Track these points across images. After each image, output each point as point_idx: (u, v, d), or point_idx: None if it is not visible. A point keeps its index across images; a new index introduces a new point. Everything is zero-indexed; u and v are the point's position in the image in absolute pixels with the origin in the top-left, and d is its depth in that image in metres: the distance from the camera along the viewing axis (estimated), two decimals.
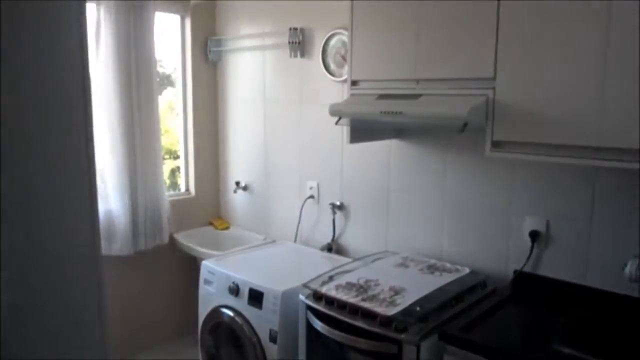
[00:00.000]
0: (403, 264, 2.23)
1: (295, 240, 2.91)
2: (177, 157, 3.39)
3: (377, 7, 2.04)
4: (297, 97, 2.88)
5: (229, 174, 3.38)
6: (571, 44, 1.58)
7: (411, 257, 2.32)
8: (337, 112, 2.06)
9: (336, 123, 2.13)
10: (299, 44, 2.78)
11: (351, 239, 2.70)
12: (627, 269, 1.76)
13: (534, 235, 2.06)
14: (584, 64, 1.56)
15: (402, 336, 1.65)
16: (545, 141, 1.67)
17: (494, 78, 1.75)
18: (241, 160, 3.28)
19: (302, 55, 2.80)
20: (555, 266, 2.03)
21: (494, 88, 1.75)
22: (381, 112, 1.89)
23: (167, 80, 3.36)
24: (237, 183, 3.27)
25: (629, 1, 1.46)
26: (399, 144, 2.45)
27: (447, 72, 1.86)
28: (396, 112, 1.86)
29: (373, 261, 2.29)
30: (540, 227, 2.05)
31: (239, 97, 3.24)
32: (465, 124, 1.73)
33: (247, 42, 3.13)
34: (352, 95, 2.16)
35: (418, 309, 1.76)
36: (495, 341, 1.65)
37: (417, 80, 1.96)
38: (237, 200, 3.33)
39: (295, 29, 2.77)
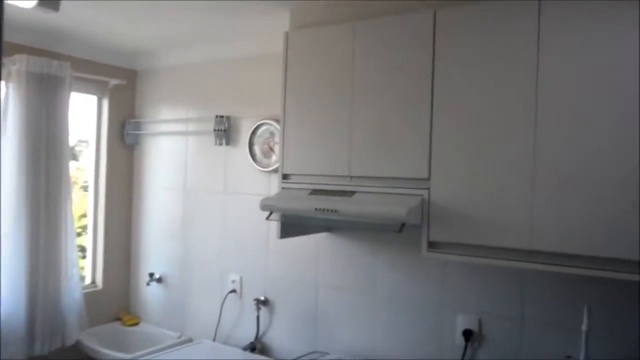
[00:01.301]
0: None
1: (214, 339, 2.69)
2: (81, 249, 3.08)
3: (310, 102, 2.04)
4: (220, 186, 2.77)
5: (141, 265, 3.12)
6: (503, 149, 1.63)
7: (339, 357, 2.19)
8: (269, 207, 1.97)
9: (267, 218, 2.03)
10: (225, 131, 2.71)
11: (277, 338, 2.53)
12: None
13: (468, 334, 2.03)
14: (514, 169, 1.61)
15: None
16: (479, 243, 1.67)
17: (429, 179, 1.76)
18: (156, 250, 3.06)
19: (228, 143, 2.73)
20: None
21: (429, 189, 1.76)
22: (316, 210, 1.83)
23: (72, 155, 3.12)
24: (151, 275, 3.02)
25: (554, 113, 1.55)
26: (329, 237, 2.39)
27: (382, 171, 1.86)
28: (332, 210, 1.80)
29: None
30: (473, 326, 2.03)
31: (157, 183, 3.06)
32: (403, 225, 1.71)
33: (169, 127, 3.02)
34: (283, 189, 2.09)
35: None
36: None
37: (351, 177, 1.93)
38: (150, 294, 3.06)
39: (222, 116, 2.71)
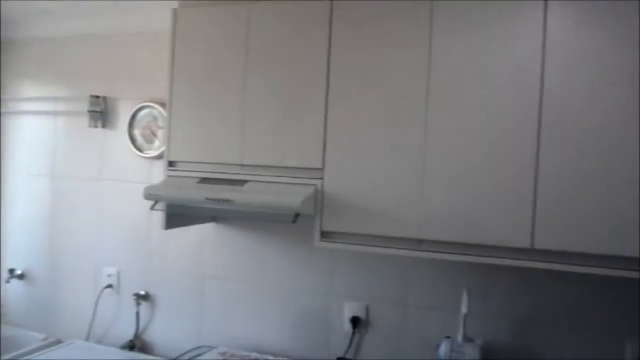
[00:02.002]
0: None
1: (87, 338, 2.48)
2: None
3: (200, 85, 1.93)
4: (95, 172, 2.54)
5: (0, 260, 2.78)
6: (396, 140, 1.67)
7: (230, 352, 2.13)
8: (154, 196, 1.84)
9: (152, 208, 1.90)
10: (101, 113, 2.48)
11: (159, 334, 2.40)
12: (441, 350, 1.86)
13: (355, 321, 2.08)
14: (406, 160, 1.66)
15: None
16: (371, 232, 1.70)
17: (323, 169, 1.76)
18: (18, 243, 2.73)
19: (104, 126, 2.51)
20: (375, 350, 2.06)
21: (322, 178, 1.76)
22: (207, 199, 1.74)
23: None
24: (11, 271, 2.70)
25: (444, 104, 1.62)
26: (216, 227, 2.30)
27: (275, 159, 1.82)
28: (224, 200, 1.73)
29: None
30: (361, 313, 2.08)
31: (20, 168, 2.73)
32: (297, 215, 1.68)
33: (36, 105, 2.69)
34: (169, 177, 1.97)
35: None
36: None
37: (243, 166, 1.87)
38: (11, 292, 2.73)
39: (97, 96, 2.48)
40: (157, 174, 2.36)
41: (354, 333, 2.08)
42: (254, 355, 2.12)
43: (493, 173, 1.57)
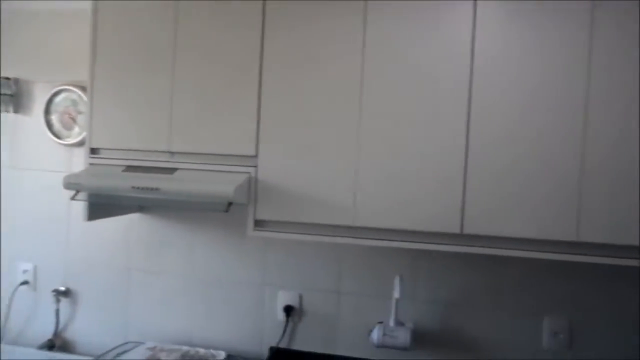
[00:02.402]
0: (153, 357, 1.95)
1: None
2: None
3: (125, 68, 1.82)
4: (6, 159, 2.35)
5: None
6: (330, 129, 1.66)
7: (160, 347, 2.05)
8: (75, 185, 1.72)
9: (72, 198, 1.78)
10: (12, 96, 2.30)
11: (81, 332, 2.27)
12: (374, 335, 1.89)
13: (289, 310, 2.07)
14: (340, 148, 1.66)
15: None
16: (306, 221, 1.69)
17: (256, 156, 1.72)
18: None
19: (17, 111, 2.32)
20: (309, 338, 2.06)
21: (256, 166, 1.72)
22: (133, 188, 1.66)
23: None
24: None
25: (377, 93, 1.63)
26: (142, 218, 2.20)
27: (206, 147, 1.75)
28: (152, 189, 1.65)
29: (116, 357, 1.94)
30: (294, 302, 2.07)
31: None
32: (230, 204, 1.64)
33: None
34: (91, 165, 1.85)
35: None
36: None
37: (172, 153, 1.79)
38: None
39: (8, 78, 2.29)
40: (78, 162, 2.22)
41: (287, 322, 2.07)
42: (184, 348, 2.06)
43: (424, 161, 1.60)
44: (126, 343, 2.13)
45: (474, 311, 1.94)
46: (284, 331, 2.06)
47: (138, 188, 1.66)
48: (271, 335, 2.08)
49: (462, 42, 1.57)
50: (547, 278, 1.89)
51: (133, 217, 2.21)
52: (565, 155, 1.53)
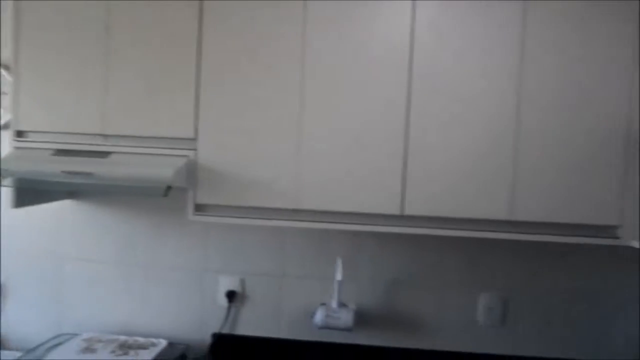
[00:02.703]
0: (89, 349, 1.88)
1: None
2: None
3: (53, 45, 1.72)
4: None
5: None
6: (271, 112, 1.64)
7: (97, 338, 1.98)
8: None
9: None
10: None
11: (11, 326, 2.15)
12: (317, 317, 1.90)
13: (231, 295, 2.04)
14: (281, 131, 1.64)
15: None
16: (248, 204, 1.67)
17: (196, 139, 1.67)
18: None
19: None
20: (252, 323, 2.05)
21: (195, 149, 1.67)
22: (64, 173, 1.58)
23: None
24: None
25: (318, 84, 1.62)
26: (76, 205, 2.10)
27: (142, 129, 1.69)
28: (85, 173, 1.57)
29: (48, 350, 1.86)
30: (236, 287, 2.05)
31: None
32: (169, 188, 1.59)
33: None
34: (17, 148, 1.74)
35: None
36: None
37: (106, 136, 1.72)
38: None
39: None
40: (3, 146, 2.08)
41: (229, 307, 2.05)
42: (122, 337, 2.00)
43: (365, 144, 1.61)
44: (60, 335, 2.03)
45: (414, 290, 1.99)
46: (227, 317, 2.04)
47: (69, 173, 1.58)
48: (213, 321, 2.06)
49: (402, 28, 1.59)
50: (483, 256, 1.97)
51: (65, 204, 2.10)
52: (500, 141, 1.58)
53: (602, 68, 1.56)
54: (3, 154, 1.74)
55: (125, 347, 1.91)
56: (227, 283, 2.05)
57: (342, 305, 1.93)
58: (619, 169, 1.58)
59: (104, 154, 1.68)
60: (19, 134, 1.76)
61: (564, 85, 1.57)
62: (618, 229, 1.60)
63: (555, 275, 1.96)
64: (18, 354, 1.93)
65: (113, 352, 1.87)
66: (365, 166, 1.62)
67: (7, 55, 1.77)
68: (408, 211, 1.62)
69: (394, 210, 1.62)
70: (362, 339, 2.01)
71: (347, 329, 1.89)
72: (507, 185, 1.59)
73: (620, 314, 1.95)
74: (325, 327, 1.89)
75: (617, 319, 1.95)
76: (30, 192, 1.83)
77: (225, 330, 2.05)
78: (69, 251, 2.11)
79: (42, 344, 1.93)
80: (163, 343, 1.97)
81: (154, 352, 1.89)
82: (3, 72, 2.05)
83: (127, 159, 1.66)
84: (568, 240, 1.61)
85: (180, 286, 2.07)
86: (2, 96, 2.08)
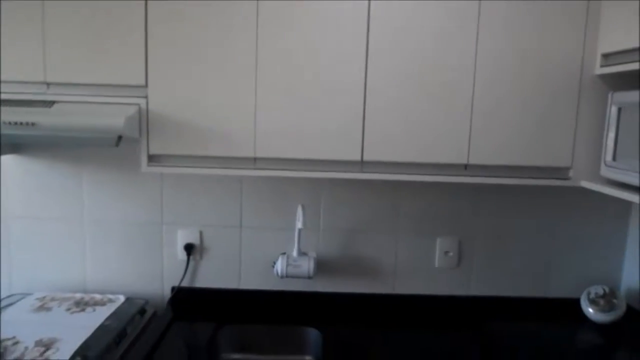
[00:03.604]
0: (43, 307, 1.82)
1: None
2: None
3: None
4: None
5: None
6: (227, 59, 1.58)
7: (51, 296, 1.92)
8: None
9: None
10: None
11: None
12: (277, 266, 1.90)
13: (189, 248, 2.01)
14: (236, 77, 1.58)
15: None
16: (204, 154, 1.62)
17: (146, 86, 1.60)
18: None
19: None
20: (212, 275, 2.03)
21: (146, 97, 1.60)
22: (5, 123, 1.47)
23: None
24: None
25: (275, 27, 1.56)
26: (17, 160, 1.99)
27: (88, 76, 1.59)
28: (27, 124, 1.48)
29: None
30: (194, 239, 2.02)
31: None
32: (120, 137, 1.52)
33: None
34: None
35: None
36: None
37: (48, 84, 1.61)
38: None
39: None
40: None
41: (188, 260, 2.02)
42: (78, 295, 1.94)
43: (324, 90, 1.58)
44: (11, 296, 1.96)
45: (374, 236, 2.02)
46: (186, 270, 2.02)
47: (10, 124, 1.48)
48: (172, 275, 2.03)
49: None
50: (439, 202, 2.00)
51: (9, 160, 1.99)
52: (457, 87, 1.59)
53: (556, 13, 1.57)
54: None
55: (81, 305, 1.87)
56: (185, 236, 2.01)
57: (302, 254, 1.94)
58: (571, 112, 1.62)
59: (48, 103, 1.58)
60: None
61: (519, 30, 1.57)
62: (569, 170, 1.66)
63: (508, 218, 2.02)
64: None
65: (69, 309, 1.82)
66: (324, 112, 1.59)
67: None
68: (367, 157, 1.61)
69: (353, 156, 1.61)
70: (324, 286, 2.03)
71: (308, 277, 1.90)
72: (463, 130, 1.61)
73: (570, 252, 2.04)
74: (286, 276, 1.90)
75: (567, 257, 2.04)
76: None
77: (185, 284, 2.03)
78: (13, 209, 2.01)
79: None
80: (121, 299, 1.93)
81: (112, 307, 1.85)
82: None
83: (73, 108, 1.57)
84: (522, 182, 1.66)
85: (136, 241, 2.02)
86: None
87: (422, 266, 2.03)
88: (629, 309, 1.91)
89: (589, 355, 1.70)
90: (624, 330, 1.87)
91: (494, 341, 1.75)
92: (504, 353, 1.66)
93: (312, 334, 1.86)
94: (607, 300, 1.90)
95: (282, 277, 1.90)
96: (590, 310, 1.91)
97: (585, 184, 1.63)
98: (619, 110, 1.49)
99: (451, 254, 2.03)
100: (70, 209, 2.00)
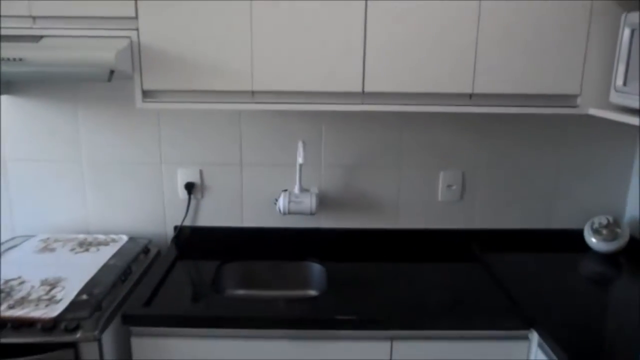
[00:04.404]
0: (47, 248, 1.83)
1: None
2: None
3: None
4: None
5: None
6: None
7: (54, 238, 1.92)
8: None
9: None
10: None
11: None
12: (279, 203, 1.89)
13: (190, 187, 1.99)
14: (232, 8, 1.51)
15: (78, 335, 1.34)
16: (200, 88, 1.57)
17: (137, 17, 1.52)
18: None
19: None
20: (214, 213, 2.03)
21: (137, 29, 1.53)
22: None
23: None
24: None
25: None
26: (11, 101, 1.94)
27: (75, 8, 1.51)
28: (14, 59, 1.42)
29: (3, 254, 1.79)
30: (195, 178, 2.00)
31: None
32: (112, 72, 1.47)
33: None
34: None
35: (86, 297, 1.47)
36: (181, 308, 1.53)
37: (34, 18, 1.54)
38: None
39: None
40: None
41: (189, 200, 2.01)
42: (81, 236, 1.95)
43: (324, 20, 1.51)
44: (14, 238, 1.96)
45: (376, 171, 1.99)
46: (187, 209, 2.01)
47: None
48: (174, 214, 2.02)
49: None
50: (443, 135, 1.96)
51: (1, 101, 1.94)
52: (462, 15, 1.51)
53: None
54: None
55: (85, 245, 1.87)
56: (185, 175, 1.99)
57: (304, 190, 1.92)
58: (581, 37, 1.55)
59: (36, 38, 1.51)
60: None
61: None
62: (577, 98, 1.61)
63: (512, 150, 1.99)
64: None
65: (73, 250, 1.82)
66: (324, 42, 1.53)
67: None
68: (368, 88, 1.56)
69: (354, 87, 1.56)
70: (326, 222, 2.03)
71: (310, 213, 1.89)
72: (468, 59, 1.55)
73: (575, 183, 2.02)
74: (289, 212, 1.89)
75: (572, 188, 2.02)
76: None
77: (187, 223, 2.02)
78: (10, 153, 1.98)
79: None
80: (124, 238, 1.93)
81: (115, 247, 1.85)
82: None
83: (61, 43, 1.50)
84: (527, 111, 1.61)
85: (136, 181, 2.00)
86: None
87: (425, 200, 2.02)
88: (632, 239, 1.91)
89: (591, 284, 1.71)
90: (627, 259, 1.87)
91: (496, 272, 1.76)
92: (505, 282, 1.67)
93: (315, 269, 1.88)
94: (610, 229, 1.90)
95: (284, 214, 1.89)
96: (593, 240, 1.91)
97: (594, 111, 1.59)
98: (632, 32, 1.43)
99: (454, 187, 2.01)
100: (69, 151, 1.97)
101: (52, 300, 1.43)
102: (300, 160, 1.76)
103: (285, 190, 1.92)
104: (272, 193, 1.99)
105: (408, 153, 1.97)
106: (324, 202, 2.00)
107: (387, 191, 2.01)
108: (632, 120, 1.40)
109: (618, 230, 1.89)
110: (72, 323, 1.36)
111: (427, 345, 1.48)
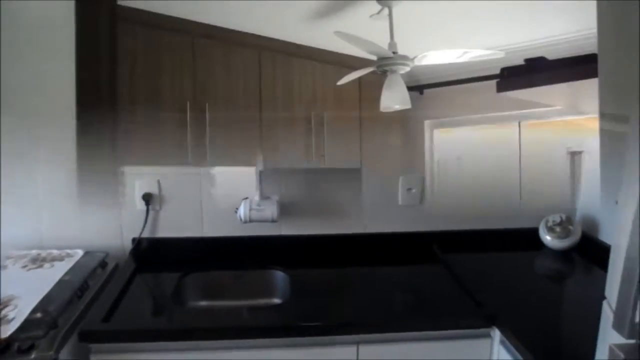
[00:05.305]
0: None
1: None
2: None
3: None
4: None
5: None
6: None
7: (5, 255, 1.84)
8: None
9: None
10: None
11: None
12: (240, 212, 1.87)
13: (147, 198, 1.95)
14: None
15: (32, 356, 1.28)
16: None
17: None
18: None
19: None
20: (173, 224, 1.98)
21: None
22: None
23: None
24: None
25: None
26: None
27: None
28: None
29: None
30: (152, 189, 1.95)
31: None
32: None
33: None
34: None
35: (40, 315, 1.41)
36: (142, 322, 1.49)
37: None
38: None
39: None
40: None
41: (147, 210, 1.96)
42: (34, 251, 1.87)
43: None
44: None
45: (337, 176, 1.99)
46: (145, 220, 1.96)
47: None
48: (132, 226, 1.97)
49: None
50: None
51: None
52: None
53: None
54: None
55: (38, 261, 1.79)
56: (143, 186, 1.95)
57: (265, 197, 1.91)
58: None
59: None
60: None
61: None
62: None
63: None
64: None
65: (25, 267, 1.74)
66: None
67: None
68: None
69: None
70: (288, 229, 2.02)
71: (272, 220, 1.88)
72: None
73: (530, 184, 2.08)
74: (250, 221, 1.87)
75: (526, 189, 2.09)
76: None
77: (146, 235, 1.97)
78: None
79: None
80: (80, 253, 1.86)
81: (71, 262, 1.78)
82: None
83: None
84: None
85: (92, 194, 1.93)
86: None
87: (387, 204, 2.04)
88: (584, 235, 1.99)
89: (548, 280, 1.76)
90: (579, 255, 1.94)
91: (457, 272, 1.79)
92: (466, 282, 1.70)
93: (279, 277, 1.86)
94: (563, 227, 1.96)
95: (245, 222, 1.88)
96: (548, 237, 1.97)
97: None
98: None
99: (414, 190, 2.04)
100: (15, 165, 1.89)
101: (3, 320, 1.36)
102: (259, 167, 1.75)
103: (246, 198, 1.90)
104: (233, 202, 1.97)
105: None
106: (286, 209, 2.00)
107: (348, 197, 2.02)
108: None
109: (570, 227, 1.96)
110: (26, 343, 1.29)
111: (393, 347, 1.49)
